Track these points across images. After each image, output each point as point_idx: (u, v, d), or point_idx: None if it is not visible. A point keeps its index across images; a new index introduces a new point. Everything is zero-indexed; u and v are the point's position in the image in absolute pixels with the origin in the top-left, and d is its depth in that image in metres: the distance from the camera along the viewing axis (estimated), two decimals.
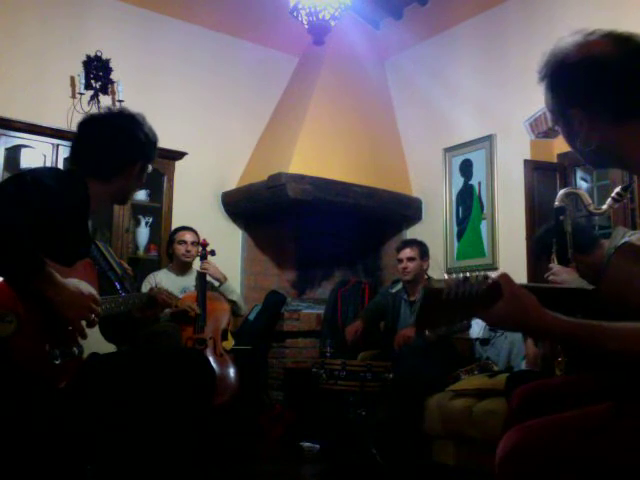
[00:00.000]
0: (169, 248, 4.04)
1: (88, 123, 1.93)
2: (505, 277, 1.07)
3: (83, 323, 1.64)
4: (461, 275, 0.99)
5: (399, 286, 4.07)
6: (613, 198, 1.98)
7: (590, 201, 2.14)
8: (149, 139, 1.94)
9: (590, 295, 1.29)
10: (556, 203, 2.29)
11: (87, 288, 1.65)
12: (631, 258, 1.27)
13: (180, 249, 3.94)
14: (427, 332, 0.99)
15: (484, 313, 1.06)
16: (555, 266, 2.25)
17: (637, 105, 1.14)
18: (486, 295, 1.04)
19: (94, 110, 4.28)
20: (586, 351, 1.20)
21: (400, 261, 3.94)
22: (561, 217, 2.27)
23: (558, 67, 1.19)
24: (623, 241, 1.32)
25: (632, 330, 1.06)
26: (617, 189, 1.98)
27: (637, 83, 1.12)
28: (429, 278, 3.08)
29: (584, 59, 1.15)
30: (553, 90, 1.21)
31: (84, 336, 1.66)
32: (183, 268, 4.00)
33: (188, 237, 3.96)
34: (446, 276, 0.99)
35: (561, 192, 2.31)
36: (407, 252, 3.92)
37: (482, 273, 1.03)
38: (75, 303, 1.58)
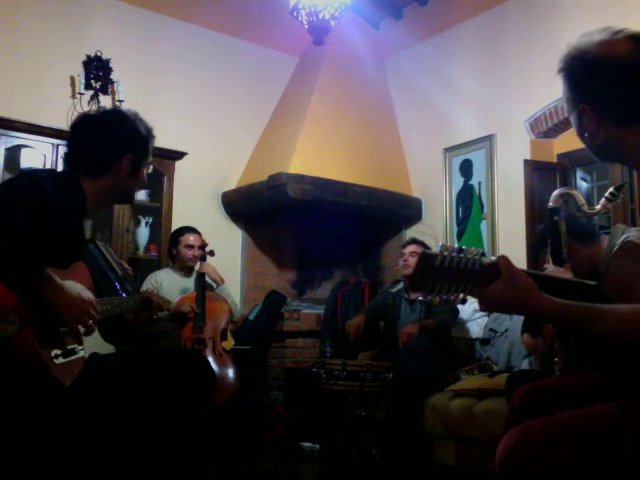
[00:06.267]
0: (172, 248, 4.02)
1: (78, 121, 1.91)
2: (504, 259, 1.07)
3: (81, 330, 1.65)
4: (456, 245, 1.00)
5: (400, 286, 4.08)
6: (606, 198, 1.99)
7: (583, 201, 2.14)
8: (138, 134, 1.87)
9: (591, 290, 1.28)
10: (550, 204, 2.29)
11: (88, 294, 1.65)
12: (633, 257, 1.27)
13: (187, 253, 3.93)
14: (419, 297, 0.96)
15: (480, 292, 1.06)
16: (550, 266, 2.25)
17: None
18: (483, 274, 1.04)
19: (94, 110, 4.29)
20: (584, 333, 1.19)
21: (402, 255, 3.96)
22: (555, 218, 2.27)
23: (574, 61, 1.20)
24: (623, 237, 1.32)
25: (629, 311, 1.06)
26: (610, 189, 1.98)
27: None
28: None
29: (599, 58, 1.16)
30: (568, 83, 1.23)
31: (80, 342, 1.66)
32: (185, 269, 4.00)
33: (195, 241, 3.95)
34: (441, 243, 1.00)
35: (555, 193, 2.30)
36: (412, 247, 3.97)
37: (479, 249, 1.03)
38: (74, 308, 1.59)
